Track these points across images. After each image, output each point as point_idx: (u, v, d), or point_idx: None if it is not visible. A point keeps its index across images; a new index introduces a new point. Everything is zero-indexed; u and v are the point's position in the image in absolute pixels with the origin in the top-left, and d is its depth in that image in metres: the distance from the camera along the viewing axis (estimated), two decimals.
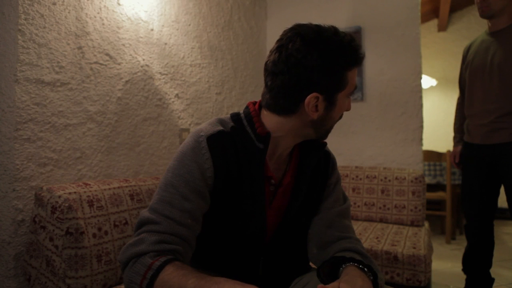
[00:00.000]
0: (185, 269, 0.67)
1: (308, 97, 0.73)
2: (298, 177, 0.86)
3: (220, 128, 0.79)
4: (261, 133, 0.79)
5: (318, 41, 0.72)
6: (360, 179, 2.24)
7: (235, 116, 0.84)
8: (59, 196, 1.07)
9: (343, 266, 0.74)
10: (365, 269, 0.73)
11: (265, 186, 0.81)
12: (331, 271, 0.77)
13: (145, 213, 0.74)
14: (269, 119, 0.80)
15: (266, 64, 0.77)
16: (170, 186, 0.74)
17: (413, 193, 2.08)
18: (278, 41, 0.76)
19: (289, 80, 0.73)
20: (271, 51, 0.77)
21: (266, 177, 0.81)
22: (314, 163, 0.87)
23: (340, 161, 0.82)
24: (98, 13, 1.40)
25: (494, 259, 2.46)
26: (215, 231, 0.80)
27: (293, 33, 0.74)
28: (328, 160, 0.92)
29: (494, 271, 2.39)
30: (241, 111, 0.85)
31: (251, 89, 2.51)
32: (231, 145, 0.78)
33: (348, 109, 0.82)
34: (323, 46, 0.72)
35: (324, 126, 0.81)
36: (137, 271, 0.67)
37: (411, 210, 2.07)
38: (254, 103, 0.86)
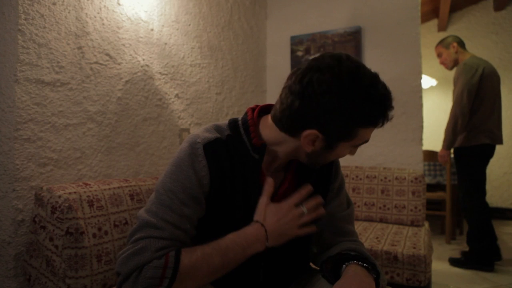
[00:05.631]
0: (195, 250, 0.69)
1: (308, 131, 0.71)
2: (298, 184, 0.84)
3: (217, 135, 0.77)
4: (256, 144, 0.77)
5: (346, 86, 0.66)
6: (360, 179, 2.24)
7: (232, 123, 0.81)
8: (59, 196, 1.07)
9: (346, 264, 0.74)
10: (369, 267, 0.73)
11: (260, 196, 0.79)
12: (334, 268, 0.77)
13: (143, 215, 0.72)
14: (269, 130, 0.78)
15: (290, 75, 0.74)
16: (169, 191, 0.73)
17: (413, 193, 2.08)
18: (314, 59, 0.71)
19: (298, 106, 0.69)
20: (299, 66, 0.73)
21: (261, 186, 0.79)
22: (317, 172, 0.86)
23: (340, 161, 0.82)
24: (98, 13, 1.40)
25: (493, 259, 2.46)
26: (212, 237, 0.80)
27: (328, 63, 0.68)
28: (331, 163, 0.90)
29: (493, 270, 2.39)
30: (239, 118, 0.83)
31: (251, 89, 2.51)
32: (227, 154, 0.76)
33: (352, 154, 0.79)
34: (347, 95, 0.66)
35: (317, 160, 0.78)
36: (151, 276, 0.65)
37: (411, 210, 2.07)
38: (253, 109, 0.83)
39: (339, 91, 0.66)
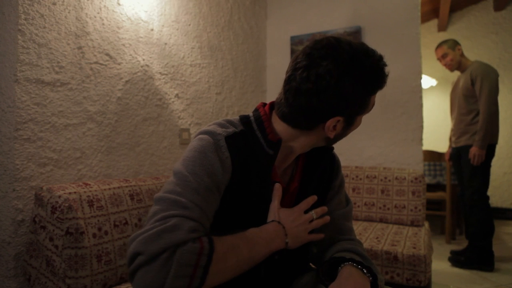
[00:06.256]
0: (225, 239, 0.65)
1: (331, 120, 0.73)
2: (304, 181, 0.85)
3: (234, 129, 0.76)
4: (273, 139, 0.76)
5: (352, 67, 0.69)
6: (360, 179, 2.24)
7: (244, 119, 0.80)
8: (59, 196, 1.07)
9: (341, 265, 0.74)
10: (364, 270, 0.73)
11: (271, 192, 0.79)
12: (329, 271, 0.77)
13: (167, 195, 0.65)
14: (281, 128, 0.78)
15: (288, 78, 0.73)
16: (194, 174, 0.67)
17: (413, 193, 2.08)
18: (306, 55, 0.71)
19: (316, 103, 0.70)
20: (295, 65, 0.72)
21: (273, 182, 0.80)
22: (321, 169, 0.87)
23: (340, 161, 0.84)
24: (98, 13, 1.40)
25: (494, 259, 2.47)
26: (219, 233, 0.79)
27: (325, 53, 0.69)
28: (333, 162, 0.91)
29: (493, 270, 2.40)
30: (251, 114, 0.82)
31: (251, 89, 2.51)
32: (245, 148, 0.75)
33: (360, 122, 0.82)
34: (357, 74, 0.69)
35: (336, 140, 0.82)
36: (186, 263, 0.57)
37: (411, 210, 2.07)
38: (264, 105, 0.83)
39: (349, 73, 0.69)
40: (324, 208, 0.83)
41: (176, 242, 0.57)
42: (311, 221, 0.80)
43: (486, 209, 2.51)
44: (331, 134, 0.76)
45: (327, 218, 0.84)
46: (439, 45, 2.70)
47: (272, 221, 0.76)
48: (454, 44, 2.64)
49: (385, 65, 0.73)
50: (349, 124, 0.77)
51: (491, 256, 2.43)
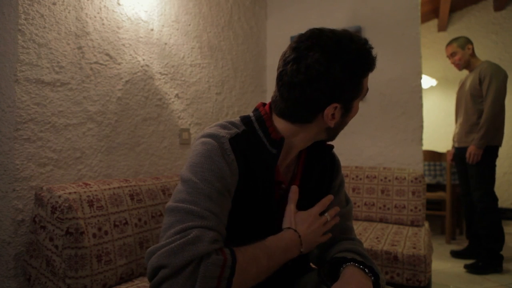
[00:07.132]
0: (245, 250, 0.65)
1: (328, 108, 0.73)
2: (304, 181, 0.85)
3: (237, 130, 0.76)
4: (276, 138, 0.77)
5: (339, 52, 0.70)
6: (360, 179, 2.24)
7: (245, 119, 0.80)
8: (59, 196, 1.07)
9: (344, 266, 0.74)
10: (366, 270, 0.73)
11: (275, 191, 0.79)
12: (331, 271, 0.77)
13: (180, 205, 0.64)
14: (281, 125, 0.79)
15: (280, 74, 0.74)
16: (204, 180, 0.67)
17: (413, 193, 2.08)
18: (293, 49, 0.73)
19: (310, 93, 0.71)
20: (284, 60, 0.74)
21: (276, 181, 0.80)
22: (321, 168, 0.87)
23: (340, 161, 0.85)
24: (98, 13, 1.40)
25: None
26: (229, 234, 0.75)
27: (310, 43, 0.71)
28: (333, 162, 0.92)
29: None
30: (251, 114, 0.82)
31: (251, 89, 2.51)
32: (249, 148, 0.75)
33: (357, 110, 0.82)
34: (345, 58, 0.70)
35: (337, 130, 0.82)
36: (211, 275, 0.58)
37: (411, 210, 2.07)
38: (264, 104, 0.83)
39: (337, 59, 0.70)
40: (336, 209, 0.84)
41: (200, 255, 0.58)
42: (325, 223, 0.81)
43: (497, 210, 2.48)
44: (331, 123, 0.76)
45: (337, 218, 0.85)
46: (449, 43, 2.65)
47: (289, 228, 0.76)
48: (464, 43, 2.58)
49: (371, 47, 0.74)
50: (347, 110, 0.77)
51: (501, 256, 2.42)
